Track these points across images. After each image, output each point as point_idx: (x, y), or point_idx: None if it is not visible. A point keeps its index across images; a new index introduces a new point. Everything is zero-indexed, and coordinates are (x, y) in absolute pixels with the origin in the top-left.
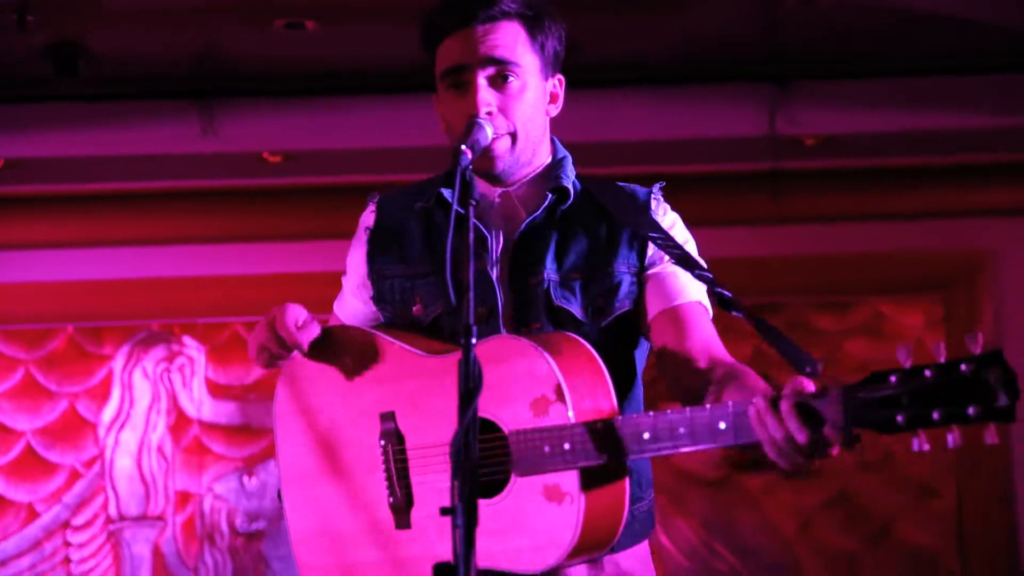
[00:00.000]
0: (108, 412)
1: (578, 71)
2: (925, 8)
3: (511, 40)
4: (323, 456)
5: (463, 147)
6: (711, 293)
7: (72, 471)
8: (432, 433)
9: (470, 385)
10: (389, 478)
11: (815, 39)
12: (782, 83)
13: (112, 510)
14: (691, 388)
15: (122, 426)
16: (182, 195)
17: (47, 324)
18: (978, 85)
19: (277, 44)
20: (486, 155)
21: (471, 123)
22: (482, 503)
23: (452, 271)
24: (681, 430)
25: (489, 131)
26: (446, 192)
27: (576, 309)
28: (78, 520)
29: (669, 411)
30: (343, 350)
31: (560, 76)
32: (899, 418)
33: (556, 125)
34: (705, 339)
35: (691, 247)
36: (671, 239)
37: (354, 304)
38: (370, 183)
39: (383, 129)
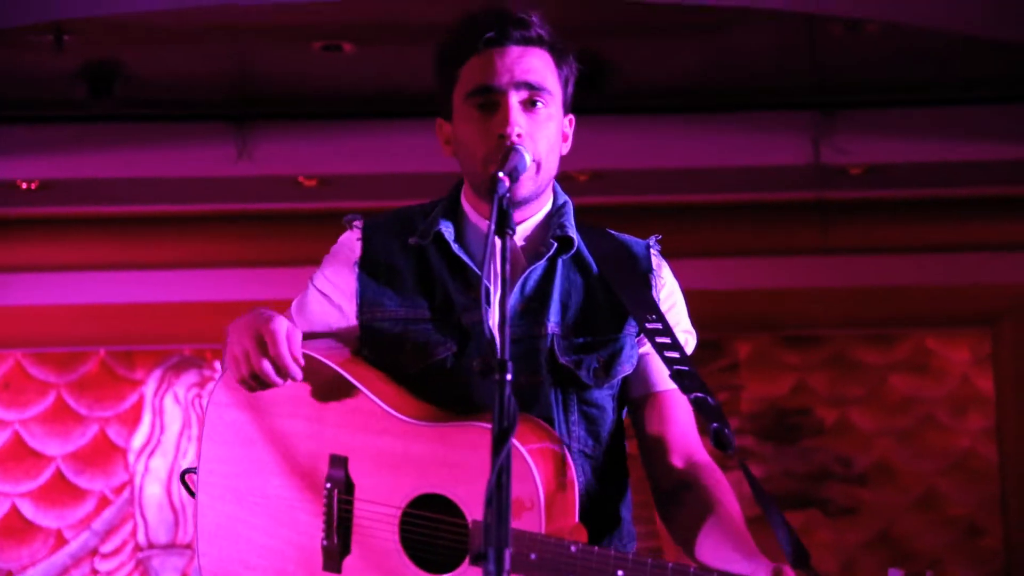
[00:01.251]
0: (139, 438)
1: (616, 97)
2: (976, 34)
3: (543, 67)
4: (254, 468)
5: (501, 174)
6: (706, 428)
7: (101, 497)
8: (385, 494)
9: (504, 424)
10: (328, 521)
11: (861, 66)
12: (827, 111)
13: (141, 537)
14: (664, 488)
15: (152, 452)
16: (216, 218)
17: (79, 347)
18: None
19: (314, 66)
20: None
21: (509, 148)
22: None
23: (457, 316)
24: None
25: (528, 158)
26: (445, 230)
27: (579, 367)
28: (106, 547)
29: (649, 560)
30: (310, 379)
31: (571, 117)
32: None
33: (597, 151)
34: (683, 433)
35: (682, 312)
36: (669, 331)
37: (324, 313)
38: None
39: (420, 153)
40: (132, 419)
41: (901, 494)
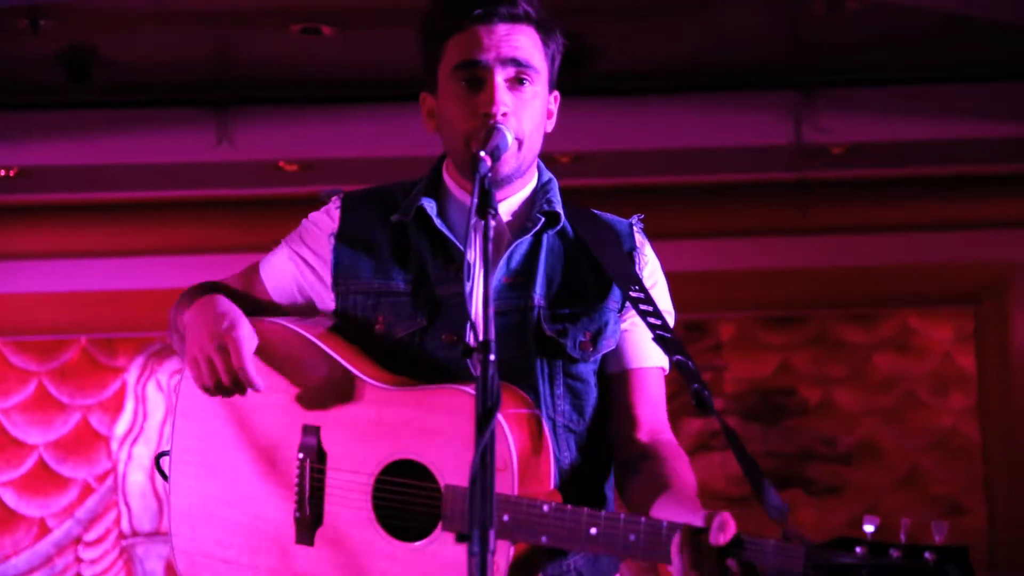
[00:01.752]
0: (121, 425)
1: (599, 78)
2: (955, 11)
3: (530, 44)
4: (226, 444)
5: (482, 154)
6: (688, 389)
7: (84, 485)
8: (357, 462)
9: (488, 404)
10: (300, 492)
11: (842, 45)
12: (808, 90)
13: (125, 525)
14: (624, 458)
15: (135, 439)
16: (197, 204)
17: (60, 335)
18: (1011, 92)
19: (293, 50)
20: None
21: (491, 128)
22: (401, 546)
23: (431, 289)
24: (631, 538)
25: (509, 137)
26: (428, 205)
27: (566, 340)
28: (90, 535)
29: (622, 515)
30: (281, 350)
31: (557, 93)
32: None
33: (579, 133)
34: (652, 411)
35: (664, 291)
36: (652, 302)
37: (297, 277)
38: None
39: (402, 137)
40: (115, 407)
41: (885, 473)
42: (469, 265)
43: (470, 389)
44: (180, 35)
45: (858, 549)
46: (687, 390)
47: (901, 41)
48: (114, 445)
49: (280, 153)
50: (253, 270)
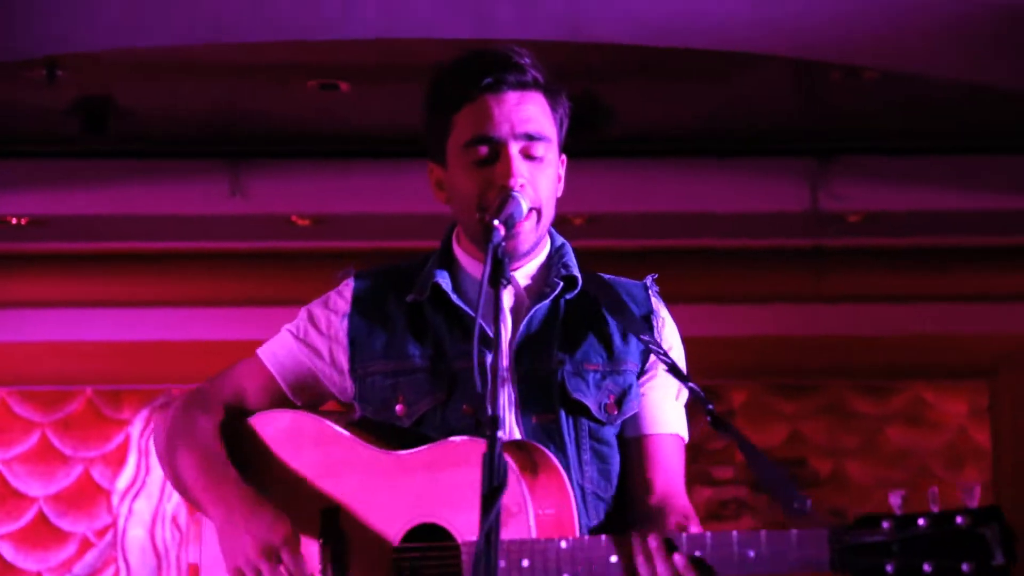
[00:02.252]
0: (123, 479)
1: (612, 140)
2: (974, 80)
3: (540, 113)
4: None
5: (496, 223)
6: (703, 410)
7: (83, 540)
8: (377, 536)
9: (495, 483)
10: None
11: (859, 112)
12: (824, 157)
13: None
14: (632, 520)
15: (137, 494)
16: (208, 256)
17: (65, 386)
18: None
19: (309, 105)
20: (510, 233)
21: (506, 196)
22: None
23: (449, 363)
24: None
25: (524, 205)
26: (443, 281)
27: (591, 403)
28: None
29: (637, 536)
30: (295, 439)
31: (564, 156)
32: (888, 567)
33: (592, 195)
34: (667, 477)
35: (680, 356)
36: (664, 352)
37: (309, 366)
38: (402, 249)
39: (417, 193)
40: (117, 460)
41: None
42: (483, 332)
43: (476, 440)
44: (196, 87)
45: (885, 524)
46: (703, 414)
47: (919, 109)
48: (115, 499)
49: (293, 207)
50: (254, 364)
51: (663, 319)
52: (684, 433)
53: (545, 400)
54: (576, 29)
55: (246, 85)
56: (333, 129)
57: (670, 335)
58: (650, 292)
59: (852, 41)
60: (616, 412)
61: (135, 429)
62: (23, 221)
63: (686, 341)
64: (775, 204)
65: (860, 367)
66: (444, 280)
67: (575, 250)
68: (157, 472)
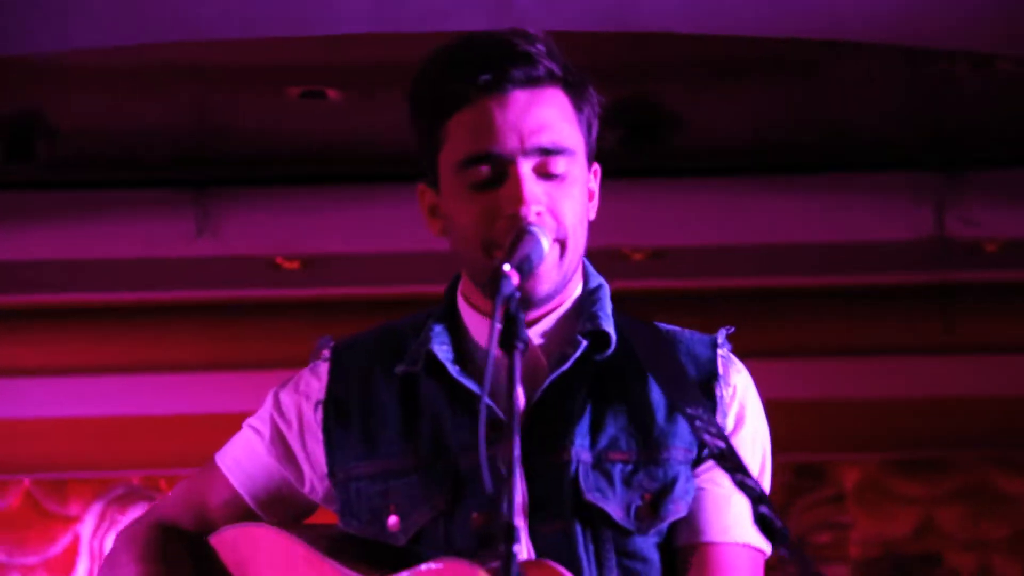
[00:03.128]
0: None
1: (680, 154)
2: None
3: (559, 116)
4: None
5: (506, 268)
6: (760, 524)
7: None
8: None
9: None
10: None
11: (995, 116)
12: (952, 172)
13: None
14: None
15: None
16: (170, 310)
17: None
18: None
19: (291, 118)
20: (527, 276)
21: (520, 232)
22: None
23: (452, 459)
24: None
25: (545, 244)
26: (440, 349)
27: (614, 507)
28: None
29: None
30: (271, 566)
31: (597, 166)
32: None
33: (656, 223)
34: None
35: (757, 437)
36: (734, 453)
37: (275, 471)
38: (412, 296)
39: (426, 227)
40: (64, 567)
41: None
42: (494, 420)
43: (468, 566)
44: (151, 99)
45: None
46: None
47: None
48: None
49: (276, 247)
50: (213, 477)
51: (733, 388)
52: (762, 544)
53: (555, 503)
54: (623, 17)
55: (213, 95)
56: (321, 147)
57: (742, 410)
58: (718, 352)
59: (980, 23)
60: (652, 518)
61: (86, 528)
62: None
63: (778, 406)
64: (890, 232)
65: (1006, 435)
66: (442, 346)
67: (634, 294)
68: None
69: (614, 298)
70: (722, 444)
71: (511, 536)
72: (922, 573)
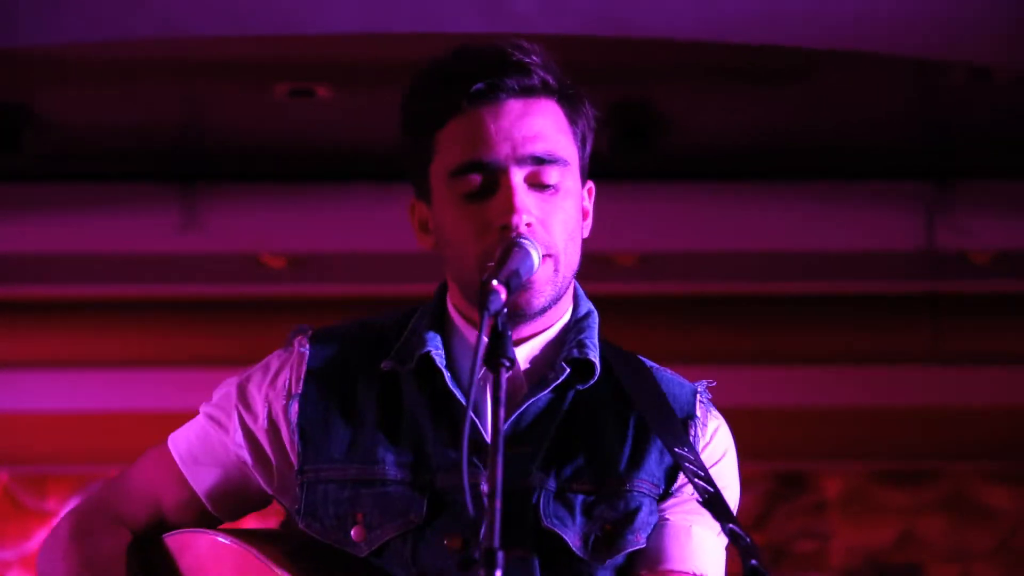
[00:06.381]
0: None
1: (669, 159)
2: None
3: (553, 126)
4: None
5: (495, 283)
6: (742, 561)
7: None
8: None
9: None
10: None
11: (987, 125)
12: (942, 181)
13: None
14: None
15: None
16: (155, 305)
17: None
18: None
19: (279, 115)
20: (519, 288)
21: (509, 244)
22: None
23: (431, 474)
24: None
25: (536, 256)
26: (436, 352)
27: (572, 536)
28: None
29: None
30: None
31: (591, 184)
32: None
33: (645, 228)
34: None
35: (728, 480)
36: (708, 477)
37: (237, 466)
38: (398, 295)
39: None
40: None
41: None
42: (476, 441)
43: None
44: (138, 92)
45: None
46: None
47: None
48: None
49: (262, 243)
50: (165, 467)
51: (709, 429)
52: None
53: (516, 530)
54: (617, 21)
55: (201, 91)
56: (309, 145)
57: (717, 453)
58: (698, 397)
59: (976, 34)
60: (607, 547)
61: None
62: None
63: (763, 414)
64: (879, 241)
65: (990, 447)
66: (438, 351)
67: (622, 299)
68: None
69: (600, 303)
70: (711, 489)
71: (492, 562)
72: None
